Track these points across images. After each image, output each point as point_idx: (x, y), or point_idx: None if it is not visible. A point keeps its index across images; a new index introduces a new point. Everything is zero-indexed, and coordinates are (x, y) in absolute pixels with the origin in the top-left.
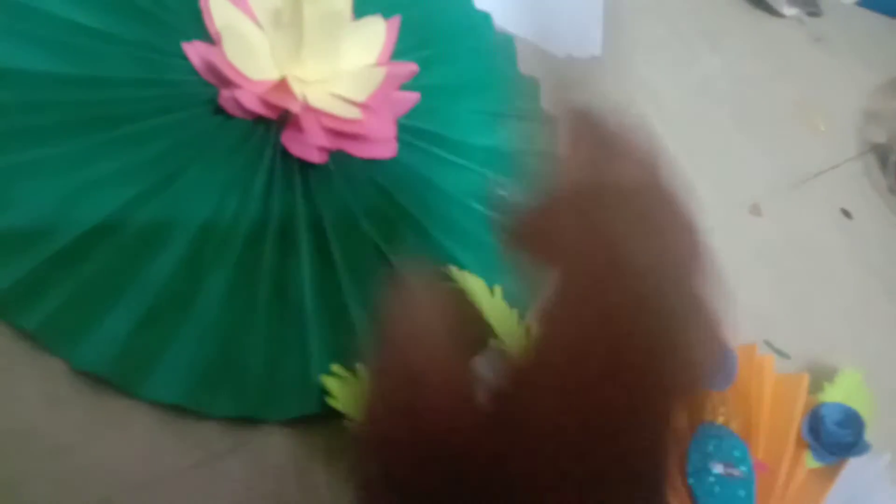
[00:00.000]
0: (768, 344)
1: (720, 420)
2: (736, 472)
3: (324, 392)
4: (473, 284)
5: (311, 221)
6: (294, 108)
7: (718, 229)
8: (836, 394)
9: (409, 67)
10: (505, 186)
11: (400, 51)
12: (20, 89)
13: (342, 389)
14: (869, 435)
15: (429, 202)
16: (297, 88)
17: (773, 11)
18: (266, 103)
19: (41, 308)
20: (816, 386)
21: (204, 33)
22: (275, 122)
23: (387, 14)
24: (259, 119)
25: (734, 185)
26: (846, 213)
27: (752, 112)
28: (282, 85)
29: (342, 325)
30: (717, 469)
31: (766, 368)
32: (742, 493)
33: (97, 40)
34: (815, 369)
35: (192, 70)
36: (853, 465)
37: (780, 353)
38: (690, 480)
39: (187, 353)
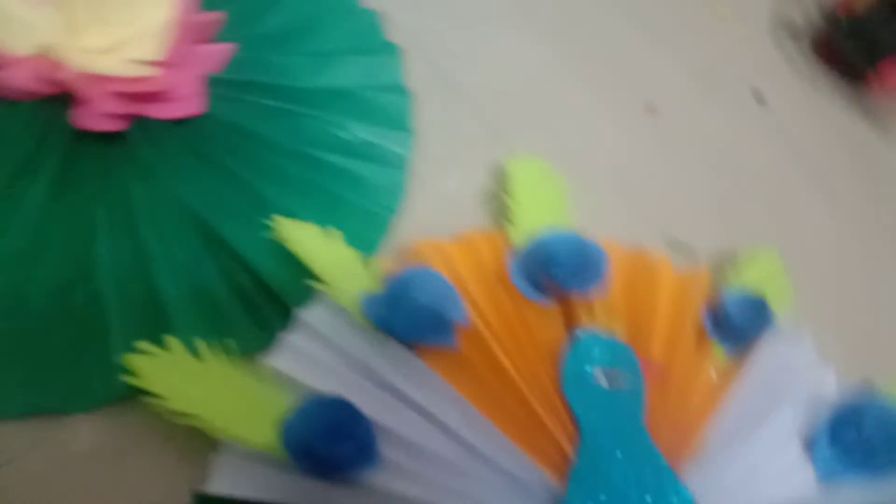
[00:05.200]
0: (669, 239)
1: (599, 325)
2: (618, 377)
3: (127, 372)
4: (301, 232)
5: (112, 200)
6: (67, 77)
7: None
8: (752, 276)
9: (207, 17)
10: (344, 126)
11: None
12: None
13: (151, 366)
14: (788, 319)
15: (256, 158)
16: (75, 58)
17: None
18: (41, 79)
19: None
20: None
21: None
22: (69, 101)
23: None
24: (50, 100)
25: (628, 83)
26: (758, 98)
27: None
28: (52, 57)
29: (150, 303)
30: (598, 378)
31: (659, 268)
32: (626, 398)
33: None
34: (732, 261)
35: None
36: (773, 349)
37: (680, 246)
38: (565, 391)
39: None
